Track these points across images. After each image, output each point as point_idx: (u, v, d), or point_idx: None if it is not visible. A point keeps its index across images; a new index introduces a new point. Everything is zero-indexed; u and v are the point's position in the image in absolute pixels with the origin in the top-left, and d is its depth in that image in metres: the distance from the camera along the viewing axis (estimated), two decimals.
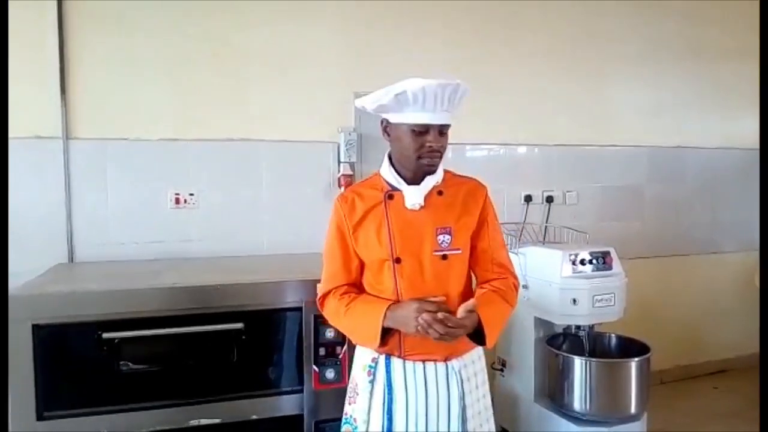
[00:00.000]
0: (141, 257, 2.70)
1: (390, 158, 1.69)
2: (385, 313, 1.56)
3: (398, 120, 1.60)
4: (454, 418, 1.61)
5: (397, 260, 1.61)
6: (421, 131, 1.58)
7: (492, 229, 1.72)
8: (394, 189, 1.66)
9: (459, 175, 1.75)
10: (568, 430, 2.54)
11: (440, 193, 1.66)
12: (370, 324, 1.57)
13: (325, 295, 1.72)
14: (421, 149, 1.58)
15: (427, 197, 1.64)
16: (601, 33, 3.62)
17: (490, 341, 1.59)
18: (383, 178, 1.69)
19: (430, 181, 1.65)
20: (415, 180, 1.65)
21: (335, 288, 1.70)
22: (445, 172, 1.71)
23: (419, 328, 1.49)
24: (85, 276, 2.38)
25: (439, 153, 1.60)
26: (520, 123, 3.44)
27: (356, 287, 1.72)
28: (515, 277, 1.74)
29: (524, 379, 2.79)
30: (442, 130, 1.60)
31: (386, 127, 1.66)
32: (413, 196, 1.63)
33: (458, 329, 1.49)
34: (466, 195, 1.69)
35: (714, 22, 3.90)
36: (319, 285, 1.74)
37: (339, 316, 1.67)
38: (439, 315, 1.48)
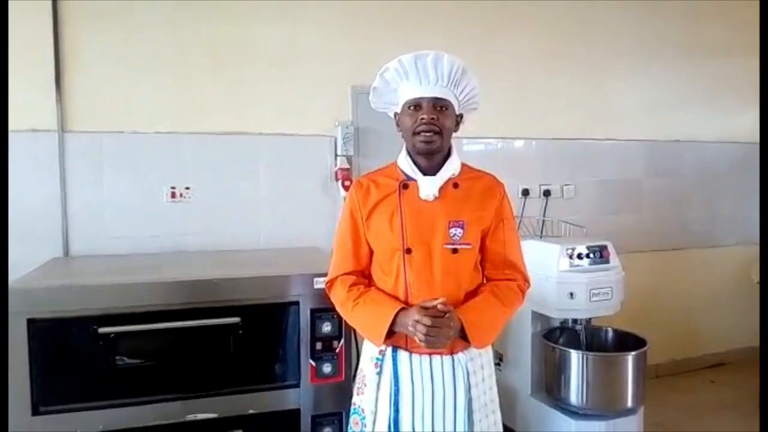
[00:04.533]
0: (137, 251, 2.69)
1: (407, 149, 1.70)
2: (395, 318, 1.57)
3: (399, 105, 1.65)
4: (460, 411, 1.62)
5: (408, 250, 1.61)
6: (415, 107, 1.61)
7: (507, 229, 1.71)
8: (410, 179, 1.66)
9: (476, 170, 1.74)
10: (564, 423, 2.55)
11: (456, 185, 1.65)
12: (377, 324, 1.59)
13: (332, 281, 1.74)
14: (416, 125, 1.60)
15: (442, 189, 1.63)
16: (600, 27, 3.61)
17: (475, 341, 1.59)
18: (399, 168, 1.69)
19: (446, 173, 1.64)
20: (430, 170, 1.65)
21: (343, 275, 1.71)
22: (463, 165, 1.70)
23: (411, 328, 1.53)
24: (81, 270, 2.37)
25: (434, 128, 1.58)
26: (518, 117, 3.43)
27: (364, 276, 1.73)
28: (525, 279, 1.73)
29: (521, 373, 2.79)
30: (436, 105, 1.60)
31: (397, 120, 1.69)
32: (428, 186, 1.62)
33: (439, 337, 1.51)
34: (482, 190, 1.68)
35: (712, 17, 3.89)
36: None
37: (347, 309, 1.68)
38: (424, 320, 1.49)
